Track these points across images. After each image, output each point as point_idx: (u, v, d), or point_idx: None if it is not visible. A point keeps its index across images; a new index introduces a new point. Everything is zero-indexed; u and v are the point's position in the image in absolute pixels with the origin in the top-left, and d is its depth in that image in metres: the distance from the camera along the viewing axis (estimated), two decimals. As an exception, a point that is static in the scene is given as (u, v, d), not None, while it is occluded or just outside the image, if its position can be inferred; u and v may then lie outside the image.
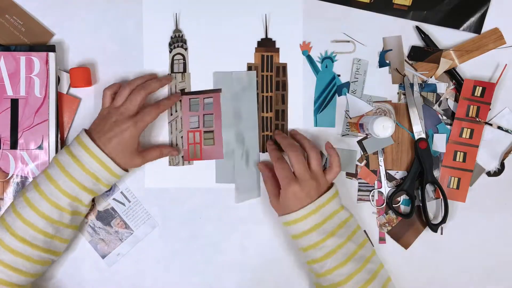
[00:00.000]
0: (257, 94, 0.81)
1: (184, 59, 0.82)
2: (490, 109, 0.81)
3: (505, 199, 0.82)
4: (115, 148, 0.72)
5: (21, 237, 0.70)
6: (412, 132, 0.81)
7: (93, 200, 0.77)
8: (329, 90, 0.81)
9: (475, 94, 0.80)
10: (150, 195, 0.82)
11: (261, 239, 0.82)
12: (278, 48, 0.81)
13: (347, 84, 0.81)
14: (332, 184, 0.76)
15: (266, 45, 0.81)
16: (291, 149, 0.74)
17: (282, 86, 0.81)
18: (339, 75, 0.82)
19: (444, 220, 0.80)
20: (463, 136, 0.81)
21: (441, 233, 0.81)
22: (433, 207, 0.82)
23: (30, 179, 0.79)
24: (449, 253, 0.82)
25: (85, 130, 0.74)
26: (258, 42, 0.81)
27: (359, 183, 0.82)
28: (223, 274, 0.82)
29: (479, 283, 0.82)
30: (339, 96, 0.81)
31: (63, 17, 0.81)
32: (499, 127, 0.82)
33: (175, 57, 0.81)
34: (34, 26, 0.81)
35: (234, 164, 0.81)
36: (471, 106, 0.81)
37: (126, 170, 0.75)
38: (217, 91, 0.81)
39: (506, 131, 0.82)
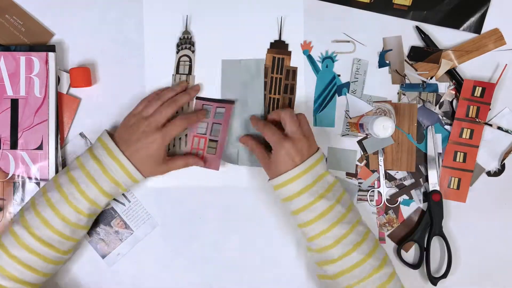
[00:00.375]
0: (265, 82, 0.81)
1: (190, 61, 0.81)
2: (490, 109, 0.81)
3: (505, 199, 0.82)
4: (141, 158, 0.73)
5: (38, 236, 0.71)
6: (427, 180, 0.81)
7: None
8: (329, 90, 0.81)
9: (475, 95, 0.80)
10: (150, 195, 0.82)
11: (261, 239, 0.82)
12: (290, 52, 0.81)
13: (347, 84, 0.81)
14: (317, 148, 0.76)
15: (279, 47, 0.81)
16: (282, 111, 0.74)
17: (291, 89, 0.81)
18: (339, 75, 0.82)
19: (445, 275, 0.80)
20: (463, 136, 0.81)
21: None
22: (436, 258, 0.82)
23: (31, 179, 0.79)
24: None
25: (109, 133, 0.75)
26: (271, 43, 0.81)
27: (359, 183, 0.82)
28: (223, 274, 0.82)
29: (479, 283, 0.82)
30: (339, 96, 0.81)
31: (63, 17, 0.81)
32: (499, 128, 0.82)
33: (182, 59, 0.81)
34: (34, 26, 0.81)
35: (238, 150, 0.81)
36: (471, 107, 0.81)
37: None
38: (231, 102, 0.81)
39: (506, 131, 0.82)
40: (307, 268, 0.81)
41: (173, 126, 0.74)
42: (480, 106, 0.81)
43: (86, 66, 0.81)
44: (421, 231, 0.81)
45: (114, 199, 0.81)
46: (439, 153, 0.82)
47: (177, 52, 0.81)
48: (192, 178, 0.82)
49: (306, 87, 0.82)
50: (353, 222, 0.72)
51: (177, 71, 0.82)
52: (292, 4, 0.81)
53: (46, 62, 0.79)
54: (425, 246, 0.81)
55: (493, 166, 0.82)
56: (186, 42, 0.81)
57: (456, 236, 0.82)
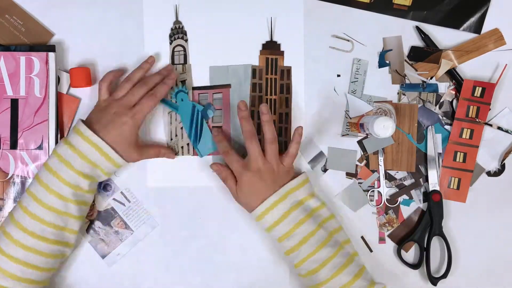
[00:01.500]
0: (260, 84, 0.81)
1: (184, 50, 0.82)
2: (490, 109, 0.81)
3: (505, 199, 0.82)
4: (115, 139, 0.73)
5: (30, 232, 0.71)
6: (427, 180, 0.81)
7: (93, 201, 0.78)
8: (196, 119, 0.81)
9: (475, 95, 0.80)
10: (150, 195, 0.82)
11: (261, 239, 0.82)
12: (283, 51, 0.81)
13: (209, 105, 0.81)
14: (301, 173, 0.76)
15: (271, 48, 0.81)
16: (247, 136, 0.74)
17: (287, 89, 0.81)
18: (339, 75, 0.82)
19: (445, 275, 0.80)
20: (463, 136, 0.81)
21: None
22: (436, 258, 0.82)
23: (30, 179, 0.79)
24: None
25: (82, 121, 0.75)
26: (263, 44, 0.81)
27: (359, 183, 0.82)
28: (223, 274, 0.82)
29: (479, 283, 0.82)
30: (206, 119, 0.81)
31: (63, 17, 0.81)
32: (499, 128, 0.82)
33: (176, 49, 0.82)
34: (34, 26, 0.81)
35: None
36: (471, 107, 0.81)
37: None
38: (226, 86, 0.81)
39: (506, 131, 0.82)
40: (307, 268, 0.81)
41: (143, 104, 0.74)
42: (480, 106, 0.81)
43: (86, 66, 0.81)
44: (421, 231, 0.81)
45: (114, 199, 0.81)
46: (439, 153, 0.82)
47: (171, 43, 0.81)
48: (192, 178, 0.82)
49: (308, 90, 0.81)
50: (338, 245, 0.72)
51: (172, 62, 0.82)
52: (292, 4, 0.81)
53: (46, 62, 0.79)
54: (425, 246, 0.81)
55: (493, 166, 0.82)
56: (178, 32, 0.81)
57: (456, 236, 0.82)
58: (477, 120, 0.81)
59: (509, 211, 0.82)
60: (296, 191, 0.74)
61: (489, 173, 0.82)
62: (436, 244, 0.82)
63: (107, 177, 0.76)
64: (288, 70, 0.81)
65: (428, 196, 0.81)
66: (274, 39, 0.82)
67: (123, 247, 0.81)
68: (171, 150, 0.80)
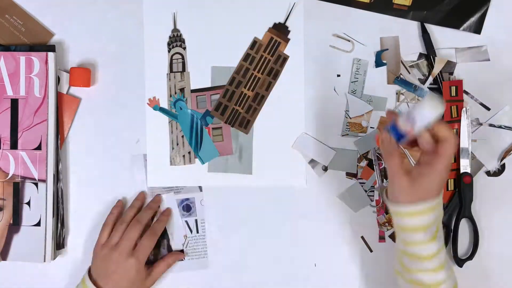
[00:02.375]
0: (253, 57, 0.80)
1: (183, 58, 0.82)
2: (490, 109, 0.81)
3: (505, 199, 0.82)
4: (126, 285, 0.74)
5: None
6: (459, 163, 0.80)
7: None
8: (196, 127, 0.81)
9: (452, 94, 0.81)
10: (150, 194, 0.82)
11: (261, 239, 0.82)
12: (289, 39, 0.81)
13: (207, 112, 0.81)
14: None
15: (280, 30, 0.81)
16: (448, 129, 0.61)
17: (275, 74, 0.81)
18: (339, 75, 0.82)
19: (471, 257, 0.80)
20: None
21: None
22: (462, 240, 0.82)
23: (30, 179, 0.79)
24: (448, 253, 0.82)
25: (89, 275, 0.75)
26: (275, 24, 0.81)
27: (360, 183, 0.82)
28: (223, 274, 0.82)
29: (479, 283, 0.82)
30: (206, 126, 0.81)
31: (63, 17, 0.81)
32: (499, 126, 0.82)
33: (174, 57, 0.82)
34: (34, 26, 0.81)
35: (227, 158, 0.81)
36: (452, 107, 0.81)
37: None
38: (223, 87, 0.81)
39: (506, 127, 0.82)
40: (307, 268, 0.81)
41: (143, 248, 0.75)
42: (458, 105, 0.80)
43: (86, 66, 0.81)
44: (449, 214, 0.80)
45: (186, 222, 0.81)
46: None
47: (169, 51, 0.82)
48: (192, 178, 0.82)
49: (307, 89, 0.81)
50: (451, 266, 0.68)
51: (171, 70, 0.82)
52: (292, 4, 0.81)
53: (46, 62, 0.79)
54: (452, 228, 0.80)
55: (493, 164, 0.82)
56: (176, 40, 0.81)
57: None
58: (479, 122, 0.80)
59: (509, 211, 0.82)
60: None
61: (488, 173, 0.82)
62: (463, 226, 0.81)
63: None
64: (285, 58, 0.81)
65: (459, 178, 0.80)
66: (288, 24, 0.81)
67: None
68: (178, 253, 0.80)
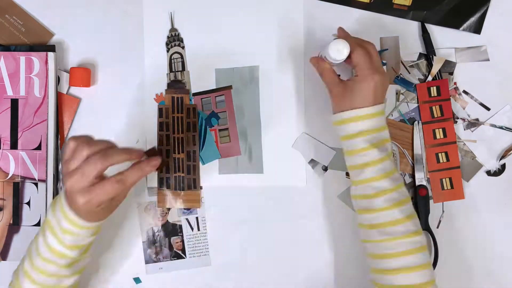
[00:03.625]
0: (167, 123, 0.80)
1: (182, 57, 0.82)
2: (489, 109, 0.81)
3: (505, 199, 0.82)
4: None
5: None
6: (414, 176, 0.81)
7: (168, 209, 0.80)
8: (200, 126, 0.81)
9: (432, 95, 0.81)
10: (152, 195, 0.82)
11: (261, 239, 0.82)
12: (188, 90, 0.81)
13: (213, 113, 0.81)
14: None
15: (176, 87, 0.81)
16: (367, 42, 0.72)
17: (193, 127, 0.80)
18: (338, 75, 0.82)
19: (433, 266, 0.80)
20: (438, 137, 0.81)
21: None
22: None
23: (30, 179, 0.79)
24: (448, 253, 0.82)
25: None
26: (168, 84, 0.81)
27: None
28: (223, 274, 0.82)
29: (479, 283, 0.82)
30: (210, 127, 0.81)
31: (63, 17, 0.81)
32: (498, 126, 0.82)
33: (173, 56, 0.82)
34: (34, 26, 0.81)
35: (237, 159, 0.81)
36: (434, 107, 0.81)
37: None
38: (227, 88, 0.81)
39: (504, 128, 0.82)
40: (307, 268, 0.81)
41: (103, 190, 0.61)
42: (442, 104, 0.81)
43: (86, 66, 0.81)
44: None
45: (187, 220, 0.81)
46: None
47: (168, 51, 0.82)
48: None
49: (298, 90, 0.81)
50: (399, 182, 0.70)
51: (170, 69, 0.82)
52: (292, 4, 0.81)
53: (46, 62, 0.79)
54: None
55: (492, 164, 0.82)
56: (174, 39, 0.81)
57: (455, 236, 0.82)
58: (478, 122, 0.81)
59: (509, 211, 0.82)
60: (383, 114, 0.71)
61: (489, 172, 0.82)
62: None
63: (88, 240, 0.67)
64: (194, 108, 0.81)
65: (415, 190, 0.81)
66: (278, 38, 0.81)
67: (168, 264, 0.81)
68: (155, 159, 0.66)
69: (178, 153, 0.80)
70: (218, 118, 0.81)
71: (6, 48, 0.80)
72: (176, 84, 0.81)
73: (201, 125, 0.81)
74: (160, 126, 0.81)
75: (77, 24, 0.82)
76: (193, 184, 0.80)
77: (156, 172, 0.80)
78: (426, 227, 0.80)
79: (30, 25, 0.81)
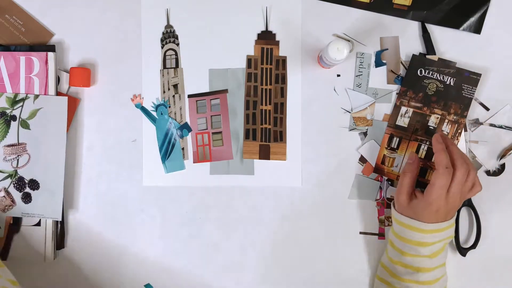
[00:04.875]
0: (255, 74, 0.80)
1: (176, 54, 0.82)
2: (489, 109, 0.81)
3: (505, 199, 0.82)
4: None
5: None
6: None
7: None
8: (170, 136, 0.81)
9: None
10: (149, 194, 0.82)
11: (261, 239, 0.82)
12: (278, 41, 0.81)
13: (185, 125, 0.81)
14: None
15: (266, 38, 0.81)
16: (463, 164, 0.70)
17: (282, 79, 0.81)
18: (339, 75, 0.82)
19: (474, 245, 0.80)
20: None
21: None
22: (465, 230, 0.82)
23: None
24: (448, 253, 0.82)
25: None
26: (258, 34, 0.81)
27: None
28: (223, 274, 0.82)
29: (479, 283, 0.82)
30: (182, 138, 0.81)
31: (63, 17, 0.82)
32: (498, 126, 0.82)
33: (167, 53, 0.82)
34: (34, 26, 0.81)
35: (229, 160, 0.81)
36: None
37: None
38: (223, 91, 0.81)
39: (504, 127, 0.82)
40: (307, 268, 0.81)
41: None
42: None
43: (86, 66, 0.81)
44: None
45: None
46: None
47: (162, 47, 0.82)
48: (192, 178, 0.82)
49: (304, 82, 0.81)
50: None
51: (164, 66, 0.82)
52: (291, 4, 0.81)
53: (46, 62, 0.79)
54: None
55: (492, 164, 0.82)
56: (169, 36, 0.81)
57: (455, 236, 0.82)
58: (478, 122, 0.81)
59: (509, 211, 0.82)
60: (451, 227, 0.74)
61: (488, 172, 0.82)
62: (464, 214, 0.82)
63: None
64: (284, 59, 0.81)
65: None
66: (270, 29, 0.81)
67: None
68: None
69: (265, 105, 0.80)
70: (189, 130, 0.81)
71: (6, 48, 0.80)
72: (267, 35, 0.80)
73: (172, 134, 0.81)
74: (249, 76, 0.80)
75: (77, 24, 0.82)
76: (280, 137, 0.80)
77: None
78: (469, 203, 0.80)
79: (30, 25, 0.81)
